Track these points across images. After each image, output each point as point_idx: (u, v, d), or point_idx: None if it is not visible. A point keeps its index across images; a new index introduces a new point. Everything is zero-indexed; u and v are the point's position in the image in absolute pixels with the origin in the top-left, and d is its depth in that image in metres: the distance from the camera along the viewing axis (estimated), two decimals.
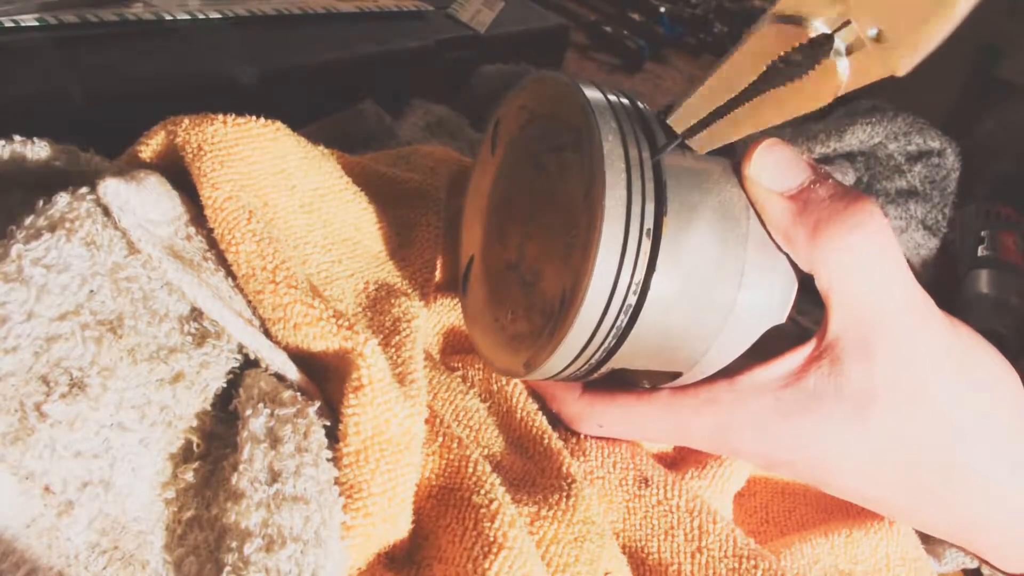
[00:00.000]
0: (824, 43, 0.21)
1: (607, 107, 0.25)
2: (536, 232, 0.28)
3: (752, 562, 0.27)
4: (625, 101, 0.26)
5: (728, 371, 0.27)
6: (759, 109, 0.23)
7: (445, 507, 0.26)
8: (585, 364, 0.26)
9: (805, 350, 0.26)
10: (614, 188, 0.23)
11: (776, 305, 0.26)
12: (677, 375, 0.27)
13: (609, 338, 0.25)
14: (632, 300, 0.24)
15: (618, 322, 0.24)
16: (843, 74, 0.21)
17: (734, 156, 0.27)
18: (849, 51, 0.21)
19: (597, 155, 0.24)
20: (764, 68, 0.22)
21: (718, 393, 0.27)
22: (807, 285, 0.26)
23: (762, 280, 0.26)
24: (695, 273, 0.25)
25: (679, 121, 0.24)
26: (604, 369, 0.27)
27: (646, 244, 0.24)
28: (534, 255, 0.28)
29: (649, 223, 0.24)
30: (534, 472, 0.29)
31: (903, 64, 0.19)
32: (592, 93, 0.26)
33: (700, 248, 0.25)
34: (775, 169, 0.25)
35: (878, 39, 0.19)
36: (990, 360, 0.27)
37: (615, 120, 0.25)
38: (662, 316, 0.25)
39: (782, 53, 0.21)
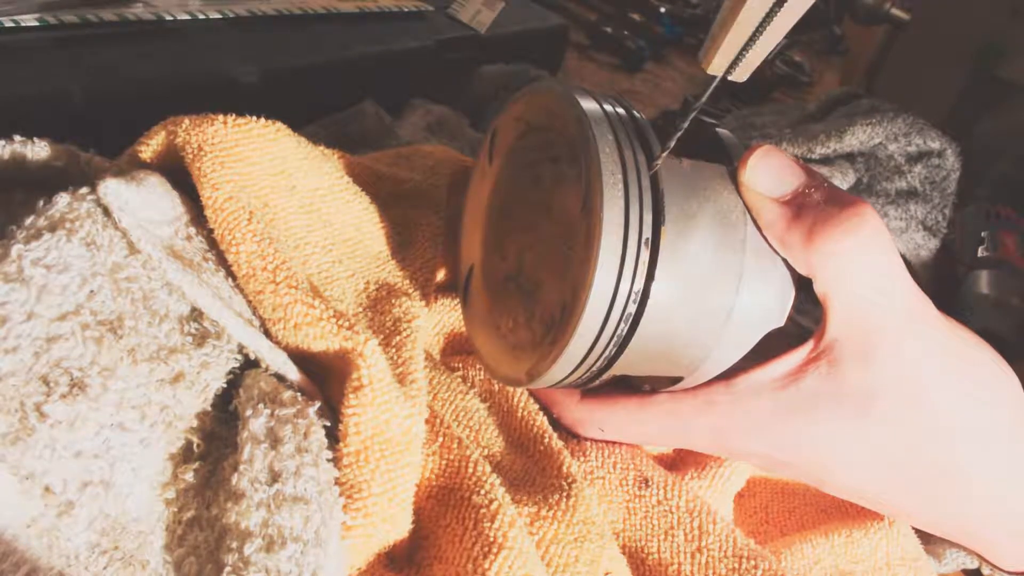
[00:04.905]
0: None
1: (603, 117, 0.25)
2: (534, 242, 0.28)
3: (752, 562, 0.27)
4: (620, 110, 0.26)
5: (726, 373, 0.27)
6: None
7: (445, 507, 0.26)
8: (587, 372, 0.26)
9: (802, 351, 0.26)
10: (611, 200, 0.24)
11: (775, 309, 0.26)
12: (678, 379, 0.28)
13: (610, 346, 0.25)
14: (632, 309, 0.24)
15: (619, 331, 0.25)
16: None
17: (730, 163, 0.27)
18: None
19: (594, 167, 0.24)
20: None
21: (716, 395, 0.27)
22: (806, 284, 0.26)
23: (760, 285, 0.26)
24: (694, 280, 0.25)
25: (713, 60, 0.24)
26: (606, 376, 0.27)
27: (644, 254, 0.24)
28: (533, 265, 0.28)
29: (647, 233, 0.24)
30: (534, 472, 0.29)
31: None
32: (587, 103, 0.26)
33: (698, 255, 0.25)
34: (770, 175, 0.26)
35: None
36: (988, 361, 0.28)
37: (611, 130, 0.25)
38: (662, 323, 0.25)
39: None
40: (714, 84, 0.25)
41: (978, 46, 0.73)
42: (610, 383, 0.29)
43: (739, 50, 0.24)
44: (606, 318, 0.24)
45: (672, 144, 0.25)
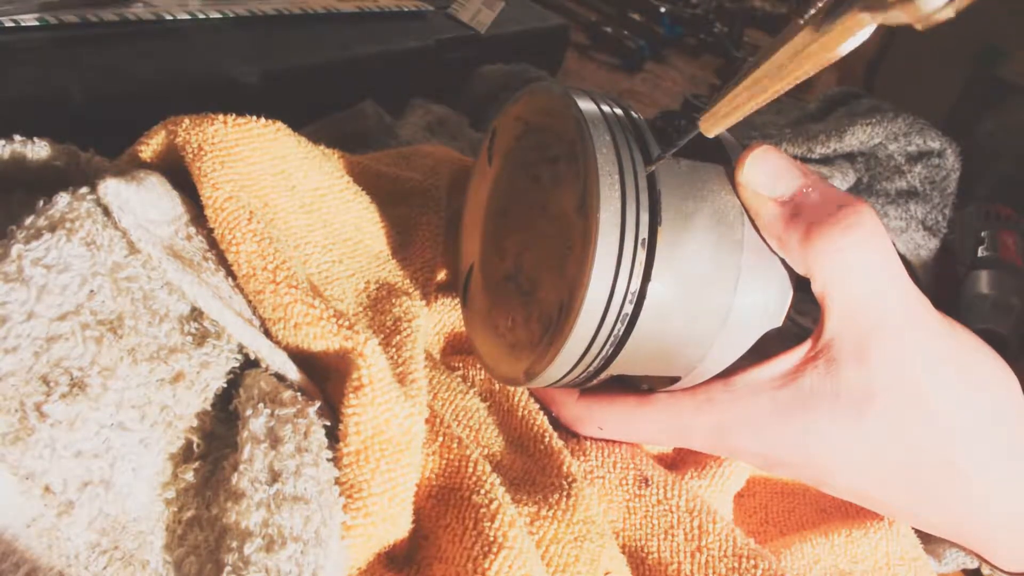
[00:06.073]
0: None
1: (600, 118, 0.25)
2: (532, 242, 0.28)
3: (752, 562, 0.27)
4: (618, 111, 0.26)
5: (724, 372, 0.27)
6: (759, 77, 0.21)
7: (445, 507, 0.26)
8: (584, 371, 0.26)
9: (800, 351, 0.26)
10: (608, 200, 0.24)
11: (772, 309, 0.26)
12: (676, 379, 0.28)
13: (607, 346, 0.25)
14: (628, 309, 0.24)
15: (615, 331, 0.25)
16: (864, 21, 0.18)
17: (727, 163, 0.27)
18: None
19: (591, 167, 0.24)
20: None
21: (714, 394, 0.27)
22: (805, 284, 0.26)
23: (758, 285, 0.26)
24: (691, 281, 0.25)
25: (710, 123, 0.24)
26: (603, 375, 0.27)
27: (641, 254, 0.24)
28: (531, 265, 0.28)
29: (644, 233, 0.24)
30: (534, 471, 0.29)
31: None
32: (585, 104, 0.26)
33: (695, 256, 0.25)
34: (767, 175, 0.26)
35: None
36: (987, 361, 0.27)
37: (608, 131, 0.25)
38: (659, 323, 0.25)
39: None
40: (692, 135, 0.24)
41: (978, 46, 0.73)
42: (607, 382, 0.29)
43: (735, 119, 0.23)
44: (603, 318, 0.24)
45: (673, 150, 0.25)
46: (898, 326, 0.25)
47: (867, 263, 0.25)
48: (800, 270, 0.26)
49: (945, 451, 0.26)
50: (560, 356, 0.25)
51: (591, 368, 0.26)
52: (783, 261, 0.26)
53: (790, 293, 0.27)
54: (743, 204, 0.26)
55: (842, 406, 0.25)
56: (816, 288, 0.26)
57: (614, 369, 0.26)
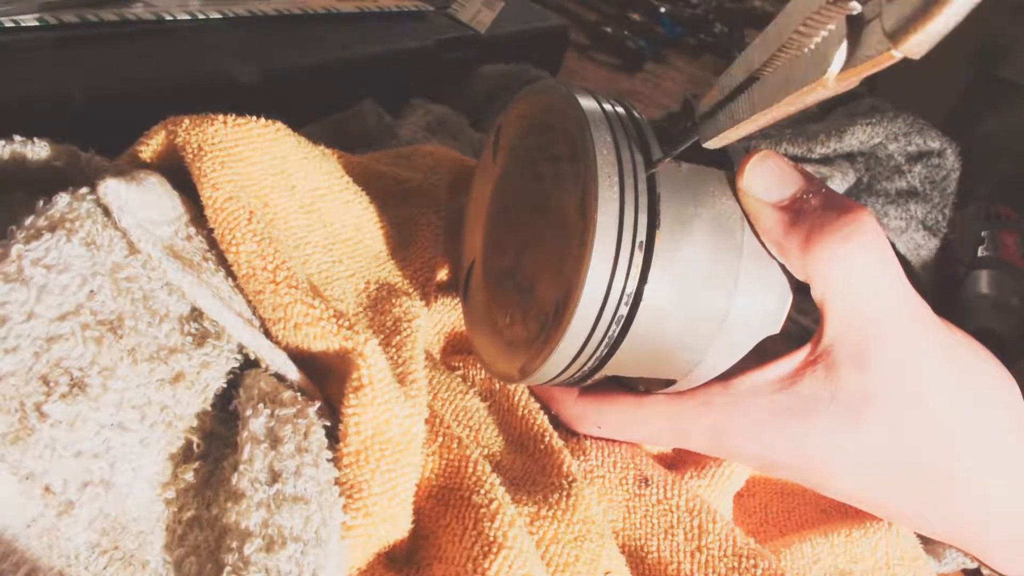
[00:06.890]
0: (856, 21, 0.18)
1: (603, 118, 0.25)
2: (533, 240, 0.28)
3: (752, 561, 0.27)
4: (621, 111, 0.26)
5: (723, 375, 0.27)
6: (756, 98, 0.21)
7: (445, 507, 0.26)
8: (579, 371, 0.26)
9: (800, 355, 0.26)
10: (606, 202, 0.24)
11: (770, 315, 0.26)
12: (671, 382, 0.28)
13: (602, 347, 0.25)
14: (624, 311, 0.24)
15: (610, 332, 0.25)
16: (840, 57, 0.19)
17: (729, 167, 0.27)
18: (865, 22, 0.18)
19: (591, 168, 0.24)
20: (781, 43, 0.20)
21: (713, 396, 0.27)
22: (806, 286, 0.26)
23: (756, 291, 0.26)
24: (688, 284, 0.25)
25: (706, 104, 0.24)
26: (598, 376, 0.27)
27: (638, 256, 0.24)
28: (530, 263, 0.28)
29: (642, 236, 0.24)
30: (534, 471, 0.29)
31: (913, 45, 0.17)
32: (588, 103, 0.26)
33: (694, 260, 0.25)
34: (766, 180, 0.26)
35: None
36: (987, 365, 0.27)
37: (610, 132, 0.25)
38: (655, 326, 0.25)
39: (805, 24, 0.19)
40: (690, 142, 0.24)
41: (978, 46, 0.73)
42: (604, 382, 0.29)
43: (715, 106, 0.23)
44: (598, 319, 0.24)
45: (675, 153, 0.25)
46: (897, 331, 0.25)
47: (866, 269, 0.25)
48: (800, 276, 0.26)
49: (944, 454, 0.26)
50: (554, 355, 0.25)
51: (586, 368, 0.26)
52: (782, 266, 0.26)
53: (789, 299, 0.27)
54: (743, 209, 0.26)
55: (841, 410, 0.25)
56: (816, 294, 0.26)
57: (609, 370, 0.26)
